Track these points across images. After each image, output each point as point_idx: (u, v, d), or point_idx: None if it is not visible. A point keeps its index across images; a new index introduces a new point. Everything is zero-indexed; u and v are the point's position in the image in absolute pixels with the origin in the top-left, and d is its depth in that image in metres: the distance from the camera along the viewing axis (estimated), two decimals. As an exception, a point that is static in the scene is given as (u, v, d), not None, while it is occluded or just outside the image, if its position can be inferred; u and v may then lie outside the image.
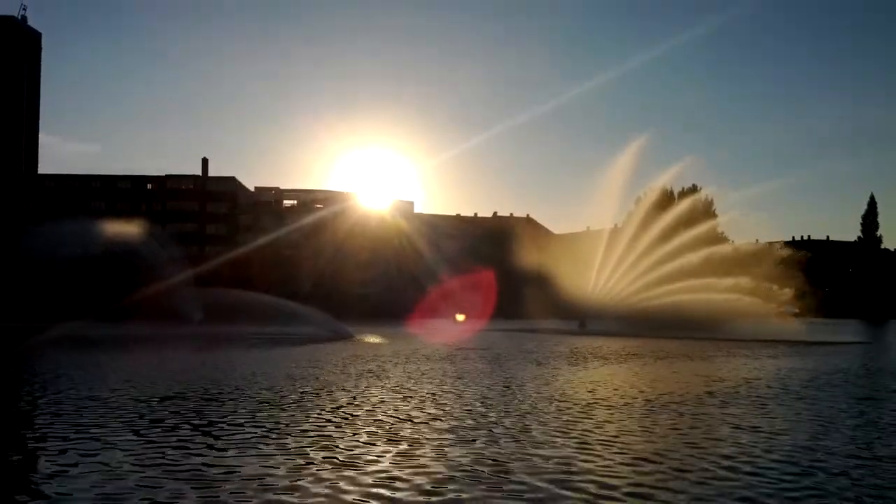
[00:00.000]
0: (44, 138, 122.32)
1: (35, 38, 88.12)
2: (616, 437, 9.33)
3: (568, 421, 10.62)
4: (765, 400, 13.25)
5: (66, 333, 31.01)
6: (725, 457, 8.18)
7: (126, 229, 44.91)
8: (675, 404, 12.52)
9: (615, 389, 14.77)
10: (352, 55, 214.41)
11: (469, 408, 11.95)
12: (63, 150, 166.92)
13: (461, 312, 19.62)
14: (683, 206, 55.76)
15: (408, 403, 12.37)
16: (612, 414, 11.38)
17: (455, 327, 51.12)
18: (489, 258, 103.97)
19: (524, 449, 8.51)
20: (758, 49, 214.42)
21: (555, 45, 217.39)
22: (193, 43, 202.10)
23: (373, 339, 34.38)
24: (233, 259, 74.99)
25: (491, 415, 11.21)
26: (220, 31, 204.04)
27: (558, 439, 9.11)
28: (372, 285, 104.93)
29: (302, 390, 14.10)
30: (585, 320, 51.67)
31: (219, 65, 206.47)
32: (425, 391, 14.11)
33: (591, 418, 10.90)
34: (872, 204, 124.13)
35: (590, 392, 14.17)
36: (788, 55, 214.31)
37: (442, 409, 11.71)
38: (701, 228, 52.11)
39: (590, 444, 8.81)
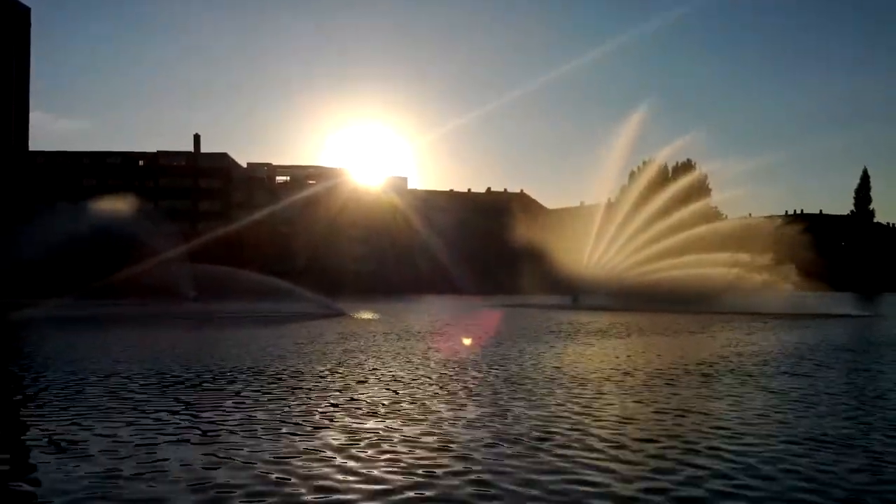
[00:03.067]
0: (34, 115, 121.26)
1: (24, 12, 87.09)
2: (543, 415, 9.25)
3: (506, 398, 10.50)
4: (715, 377, 13.14)
5: (49, 310, 30.81)
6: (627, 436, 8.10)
7: (118, 206, 44.63)
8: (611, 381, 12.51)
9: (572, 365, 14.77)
10: (345, 30, 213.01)
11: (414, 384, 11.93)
12: (53, 127, 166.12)
13: (468, 337, 19.93)
14: (682, 183, 55.53)
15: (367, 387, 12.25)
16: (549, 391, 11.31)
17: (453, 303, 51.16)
18: (483, 233, 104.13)
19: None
20: (750, 23, 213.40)
21: (548, 21, 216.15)
22: (184, 17, 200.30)
23: (366, 315, 34.40)
24: (226, 236, 74.78)
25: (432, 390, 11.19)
26: (211, 5, 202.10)
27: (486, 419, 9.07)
28: (366, 261, 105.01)
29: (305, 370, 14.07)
30: (579, 296, 51.72)
31: (210, 40, 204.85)
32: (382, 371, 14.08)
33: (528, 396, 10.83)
34: (865, 178, 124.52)
35: (556, 368, 14.14)
36: (780, 29, 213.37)
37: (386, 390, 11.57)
38: (696, 206, 52.06)
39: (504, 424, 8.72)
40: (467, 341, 20.44)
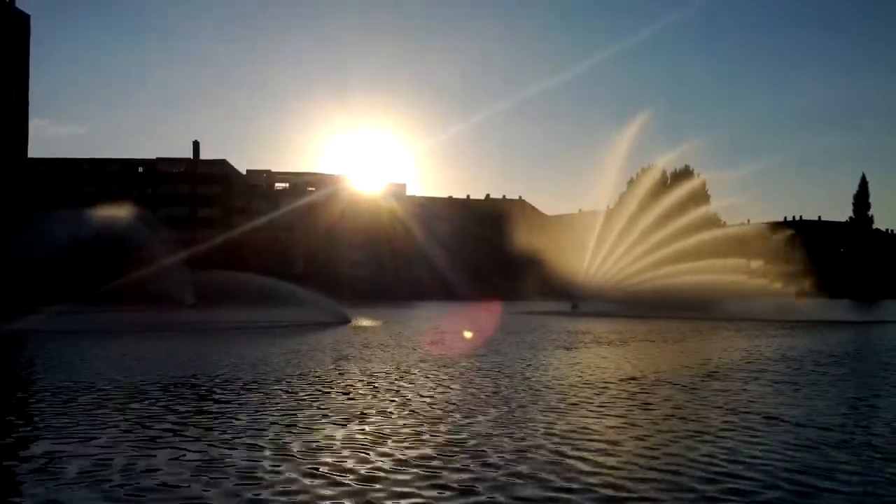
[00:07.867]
0: (33, 122, 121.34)
1: (23, 19, 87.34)
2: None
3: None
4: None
5: (45, 319, 30.05)
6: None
7: (116, 213, 44.40)
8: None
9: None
10: (344, 36, 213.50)
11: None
12: (53, 134, 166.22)
13: (469, 331, 20.10)
14: (681, 190, 55.52)
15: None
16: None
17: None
18: (482, 240, 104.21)
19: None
20: (747, 29, 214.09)
21: (547, 28, 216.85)
22: (183, 24, 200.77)
23: (368, 322, 34.14)
24: (225, 242, 74.69)
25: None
26: (210, 11, 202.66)
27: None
28: (364, 267, 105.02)
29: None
30: (578, 302, 51.72)
31: (209, 46, 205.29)
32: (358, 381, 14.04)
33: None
34: (864, 184, 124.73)
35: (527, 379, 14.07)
36: (777, 32, 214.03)
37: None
38: (696, 213, 52.12)
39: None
40: (468, 335, 20.61)
